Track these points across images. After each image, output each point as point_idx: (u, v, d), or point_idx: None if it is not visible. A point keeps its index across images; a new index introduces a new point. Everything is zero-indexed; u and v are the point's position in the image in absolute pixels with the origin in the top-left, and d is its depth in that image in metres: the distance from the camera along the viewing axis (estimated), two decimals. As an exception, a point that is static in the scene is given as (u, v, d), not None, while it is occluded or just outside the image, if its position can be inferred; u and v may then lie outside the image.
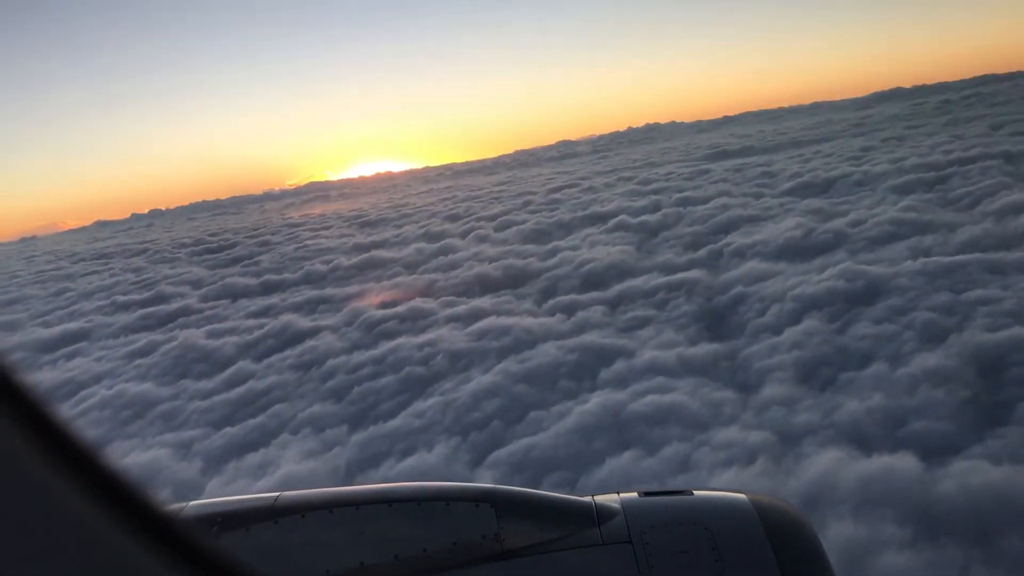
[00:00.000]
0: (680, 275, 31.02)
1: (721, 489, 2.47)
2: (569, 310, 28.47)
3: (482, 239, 52.79)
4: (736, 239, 36.84)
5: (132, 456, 19.58)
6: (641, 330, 24.98)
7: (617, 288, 30.95)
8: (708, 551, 2.09)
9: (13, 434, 0.83)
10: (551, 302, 30.69)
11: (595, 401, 18.44)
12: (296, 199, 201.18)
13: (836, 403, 16.78)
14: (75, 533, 0.87)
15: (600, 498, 2.32)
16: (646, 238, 42.93)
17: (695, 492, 2.35)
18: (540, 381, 20.97)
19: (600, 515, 2.21)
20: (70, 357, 34.77)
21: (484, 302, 32.04)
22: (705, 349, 21.98)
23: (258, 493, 2.15)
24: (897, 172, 50.19)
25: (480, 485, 2.25)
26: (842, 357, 19.63)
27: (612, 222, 49.19)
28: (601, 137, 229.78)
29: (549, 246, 44.31)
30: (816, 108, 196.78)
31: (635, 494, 2.34)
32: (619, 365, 21.10)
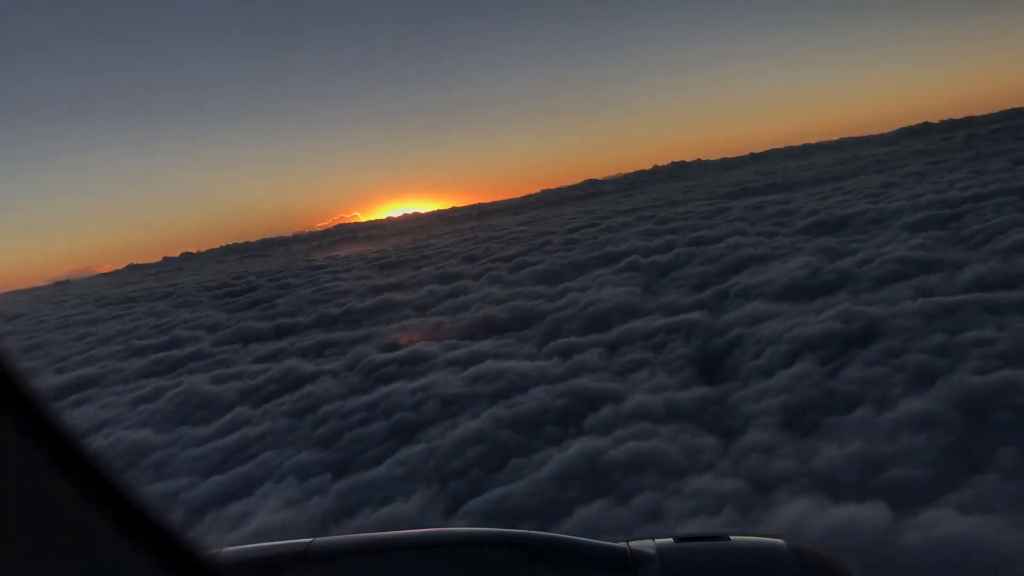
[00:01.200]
0: (682, 316, 30.80)
1: (758, 534, 2.43)
2: (567, 353, 28.35)
3: (495, 280, 52.95)
4: (742, 279, 36.57)
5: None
6: (635, 373, 24.79)
7: (618, 330, 30.79)
8: None
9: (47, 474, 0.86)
10: (551, 344, 30.60)
11: (575, 448, 18.28)
12: (324, 241, 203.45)
13: (816, 449, 16.50)
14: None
15: (635, 544, 2.29)
16: (655, 278, 42.76)
17: (732, 537, 2.30)
18: (526, 427, 20.83)
19: (635, 561, 2.18)
20: (78, 404, 35.11)
21: (486, 345, 32.01)
22: (695, 393, 21.75)
23: (291, 539, 2.17)
24: (912, 209, 49.70)
25: (514, 531, 2.23)
26: (829, 401, 19.33)
27: (624, 262, 49.12)
28: (627, 176, 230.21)
29: (559, 287, 44.28)
30: (842, 144, 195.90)
31: (670, 540, 2.30)
32: (606, 410, 20.92)
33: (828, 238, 45.24)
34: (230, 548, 2.15)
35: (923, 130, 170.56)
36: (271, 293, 71.00)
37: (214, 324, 54.76)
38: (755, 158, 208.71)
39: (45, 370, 48.15)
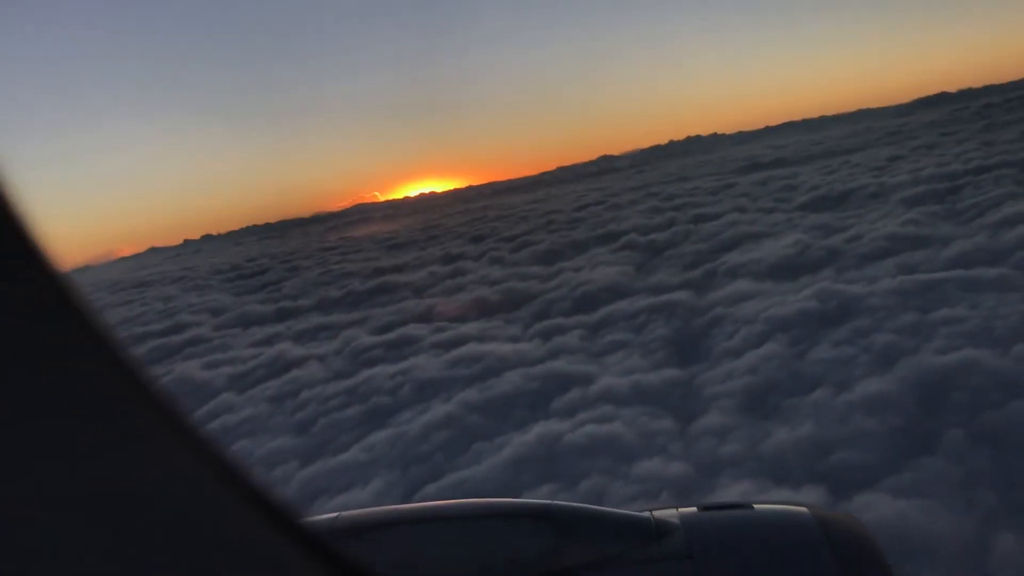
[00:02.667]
0: (666, 296, 30.81)
1: (782, 502, 2.46)
2: (549, 335, 28.47)
3: (495, 261, 53.05)
4: (733, 258, 36.51)
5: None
6: (612, 355, 24.88)
7: (604, 311, 30.84)
8: (770, 567, 2.06)
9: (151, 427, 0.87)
10: (537, 326, 30.72)
11: (535, 432, 18.44)
12: (340, 221, 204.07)
13: (768, 433, 16.56)
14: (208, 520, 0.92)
15: (659, 513, 2.29)
16: (650, 257, 42.73)
17: (756, 506, 2.32)
18: (495, 411, 21.02)
19: (659, 530, 2.18)
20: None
21: (473, 327, 32.16)
22: (663, 375, 21.82)
23: (317, 515, 2.23)
24: (913, 183, 49.29)
25: (537, 501, 2.26)
26: (792, 383, 19.35)
27: (622, 241, 49.07)
28: (642, 151, 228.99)
29: (555, 267, 44.32)
30: (858, 116, 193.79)
31: (694, 508, 2.31)
32: (574, 393, 21.04)
33: (826, 214, 44.96)
34: None
35: (939, 100, 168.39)
36: (280, 275, 71.43)
37: (219, 308, 55.18)
38: (770, 131, 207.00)
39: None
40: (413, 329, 33.16)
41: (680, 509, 2.31)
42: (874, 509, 12.39)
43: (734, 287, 30.51)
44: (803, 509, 2.28)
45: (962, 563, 11.08)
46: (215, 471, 0.93)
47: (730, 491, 13.99)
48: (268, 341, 38.24)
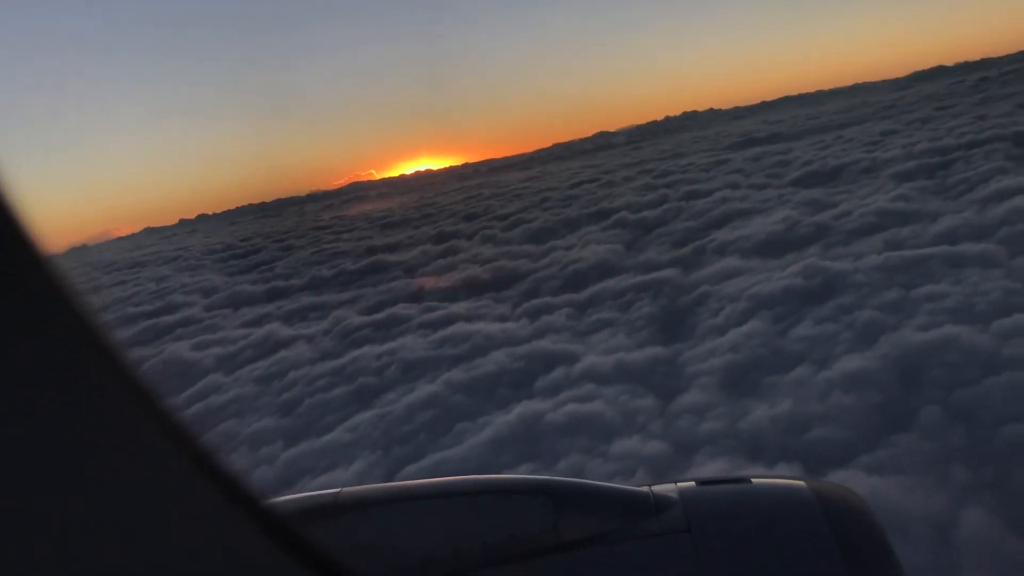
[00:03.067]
0: (654, 274, 30.83)
1: (780, 476, 2.51)
2: (536, 314, 28.50)
3: (487, 239, 52.96)
4: (722, 235, 36.49)
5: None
6: (597, 334, 24.93)
7: (592, 289, 30.86)
8: (768, 540, 2.08)
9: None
10: (525, 305, 30.75)
11: (516, 412, 18.50)
12: (336, 200, 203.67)
13: (748, 410, 16.63)
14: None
15: (657, 488, 2.31)
16: (640, 235, 42.68)
17: (753, 480, 2.33)
18: (479, 391, 21.07)
19: (658, 505, 2.20)
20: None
21: (462, 307, 32.22)
22: (647, 354, 21.87)
23: (317, 491, 2.25)
24: (905, 158, 49.18)
25: (537, 477, 2.28)
26: (774, 360, 19.40)
27: (613, 219, 49.01)
28: (638, 127, 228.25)
29: (546, 246, 44.30)
30: (855, 90, 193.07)
31: (692, 483, 2.33)
32: (558, 372, 21.11)
33: (817, 190, 44.90)
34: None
35: (936, 74, 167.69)
36: (273, 255, 71.37)
37: (211, 288, 55.14)
38: (766, 106, 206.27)
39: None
40: (402, 309, 33.19)
41: (678, 484, 2.33)
42: (847, 486, 12.43)
43: (721, 264, 30.54)
44: (800, 483, 2.31)
45: (931, 539, 11.16)
46: (190, 461, 0.93)
47: (705, 469, 14.07)
48: (258, 321, 38.25)
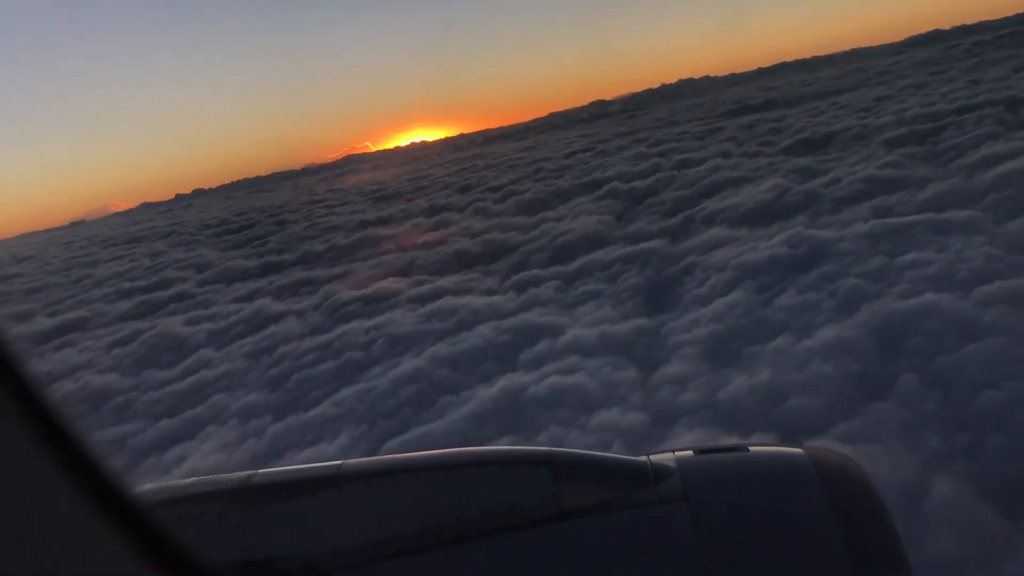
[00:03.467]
0: (643, 245, 30.84)
1: (777, 444, 2.50)
2: (524, 287, 28.53)
3: (479, 211, 52.88)
4: (712, 204, 36.44)
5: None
6: (583, 306, 24.98)
7: (580, 261, 30.88)
8: (765, 507, 2.11)
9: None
10: (514, 278, 30.77)
11: (499, 385, 18.58)
12: (331, 173, 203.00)
13: (727, 380, 16.71)
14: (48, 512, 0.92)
15: (655, 457, 2.34)
16: (631, 205, 42.65)
17: (751, 448, 2.36)
18: (464, 364, 21.13)
19: (656, 474, 2.23)
20: (60, 348, 35.79)
21: (450, 280, 32.24)
22: (632, 325, 21.94)
23: (321, 462, 2.27)
24: (896, 124, 48.98)
25: (537, 448, 2.30)
26: (756, 330, 19.45)
27: (604, 189, 48.91)
28: (634, 95, 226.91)
29: (537, 217, 44.25)
30: (851, 56, 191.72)
31: (690, 452, 2.35)
32: (542, 345, 21.16)
33: (808, 157, 44.79)
34: (262, 471, 2.27)
35: (932, 38, 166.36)
36: (267, 230, 71.28)
37: (205, 263, 55.18)
38: (762, 73, 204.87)
39: (39, 313, 48.90)
40: (392, 283, 33.23)
41: (676, 453, 2.36)
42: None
43: (709, 234, 30.54)
44: (798, 450, 2.33)
45: (900, 508, 11.26)
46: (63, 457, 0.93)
47: (682, 439, 14.16)
48: (250, 297, 38.32)
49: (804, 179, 37.43)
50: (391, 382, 20.55)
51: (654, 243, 30.79)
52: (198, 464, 17.83)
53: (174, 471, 17.76)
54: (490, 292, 29.21)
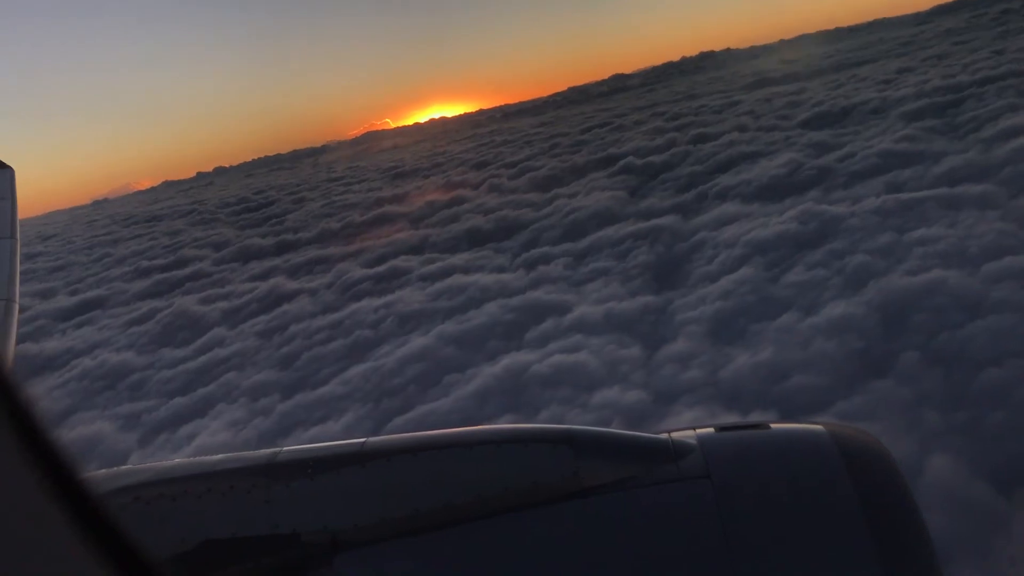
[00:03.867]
0: (654, 221, 30.68)
1: (798, 421, 2.49)
2: (533, 264, 28.53)
3: (494, 188, 52.81)
4: (726, 179, 36.19)
5: (78, 429, 20.62)
6: (591, 283, 24.95)
7: (591, 238, 30.81)
8: (786, 484, 2.11)
9: None
10: (524, 256, 30.76)
11: (503, 363, 18.65)
12: (350, 150, 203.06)
13: (730, 358, 16.68)
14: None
15: (676, 434, 2.34)
16: (645, 181, 42.45)
17: (772, 425, 2.35)
18: (470, 343, 21.22)
19: (677, 451, 2.24)
20: (80, 326, 36.23)
21: (461, 258, 32.29)
22: (639, 303, 21.90)
23: (344, 440, 2.31)
24: (916, 97, 48.32)
25: (557, 426, 2.32)
26: (762, 307, 19.38)
27: (619, 164, 48.65)
28: (654, 69, 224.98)
29: (550, 194, 44.15)
30: (874, 26, 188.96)
31: (711, 429, 2.34)
32: (548, 323, 21.19)
33: (824, 131, 44.31)
34: (287, 448, 2.31)
35: (959, 6, 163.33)
36: (285, 208, 71.62)
37: (222, 242, 55.53)
38: (784, 45, 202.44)
39: (60, 292, 49.44)
40: (403, 262, 33.31)
41: (697, 430, 2.35)
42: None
43: (721, 210, 30.36)
44: (819, 427, 2.31)
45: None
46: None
47: (682, 418, 14.18)
48: (265, 275, 38.55)
49: (819, 153, 37.08)
50: (398, 361, 20.67)
51: (666, 219, 30.62)
52: (207, 442, 18.05)
53: (184, 449, 18.00)
54: (500, 270, 29.22)
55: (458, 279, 27.72)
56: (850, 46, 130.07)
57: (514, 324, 21.94)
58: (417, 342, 21.81)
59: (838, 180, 30.98)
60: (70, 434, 20.11)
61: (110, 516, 1.02)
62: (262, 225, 62.66)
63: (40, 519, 0.95)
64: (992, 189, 24.19)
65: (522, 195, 46.41)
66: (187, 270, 45.47)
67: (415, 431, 2.40)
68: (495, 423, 15.33)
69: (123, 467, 2.35)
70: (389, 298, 27.18)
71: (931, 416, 12.98)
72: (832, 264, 20.98)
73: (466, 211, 44.57)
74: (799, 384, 14.96)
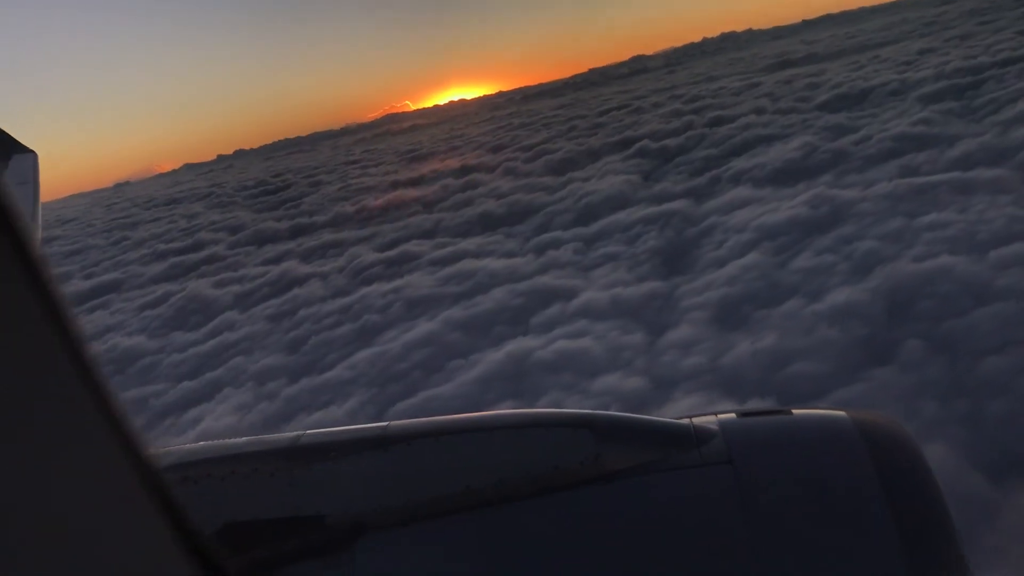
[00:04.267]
0: (666, 206, 30.55)
1: (821, 407, 2.44)
2: (543, 249, 28.49)
3: (509, 172, 52.69)
4: (739, 163, 35.92)
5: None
6: (600, 268, 24.90)
7: (602, 222, 30.72)
8: (809, 471, 2.08)
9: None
10: (535, 240, 30.73)
11: (507, 349, 18.66)
12: (369, 133, 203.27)
13: (732, 345, 16.60)
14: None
15: (698, 420, 2.30)
16: (660, 164, 42.22)
17: (794, 411, 2.29)
18: (476, 328, 21.25)
19: (699, 437, 2.19)
20: (93, 310, 36.58)
21: (473, 242, 32.31)
22: (646, 288, 21.82)
23: (366, 424, 2.30)
24: (935, 79, 47.71)
25: (578, 411, 2.29)
26: (768, 293, 19.24)
27: (635, 147, 48.40)
28: (676, 50, 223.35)
29: (565, 177, 44.01)
30: (898, 6, 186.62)
31: (733, 415, 2.31)
32: (554, 308, 21.19)
33: (841, 114, 43.87)
34: (310, 432, 2.29)
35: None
36: (301, 191, 71.85)
37: (238, 225, 55.78)
38: (807, 25, 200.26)
39: (76, 276, 49.93)
40: (415, 246, 33.36)
41: (719, 415, 2.31)
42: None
43: (733, 194, 30.15)
44: (841, 413, 2.25)
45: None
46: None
47: (679, 405, 14.17)
48: (278, 259, 38.75)
49: (835, 136, 36.71)
50: (403, 346, 20.74)
51: (678, 203, 30.48)
52: (211, 426, 18.25)
53: (189, 433, 18.18)
54: (510, 255, 29.19)
55: (468, 264, 27.76)
56: (873, 26, 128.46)
57: (521, 309, 21.94)
58: (423, 327, 21.87)
59: (852, 164, 30.68)
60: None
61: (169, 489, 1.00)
62: (278, 208, 62.91)
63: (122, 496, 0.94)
64: (1006, 174, 23.87)
65: (537, 179, 46.28)
66: (202, 253, 45.76)
67: (417, 417, 2.41)
68: (496, 409, 15.38)
69: None
70: (398, 283, 27.27)
71: (931, 405, 12.88)
72: (841, 249, 20.79)
73: (480, 195, 44.54)
74: (799, 371, 14.88)
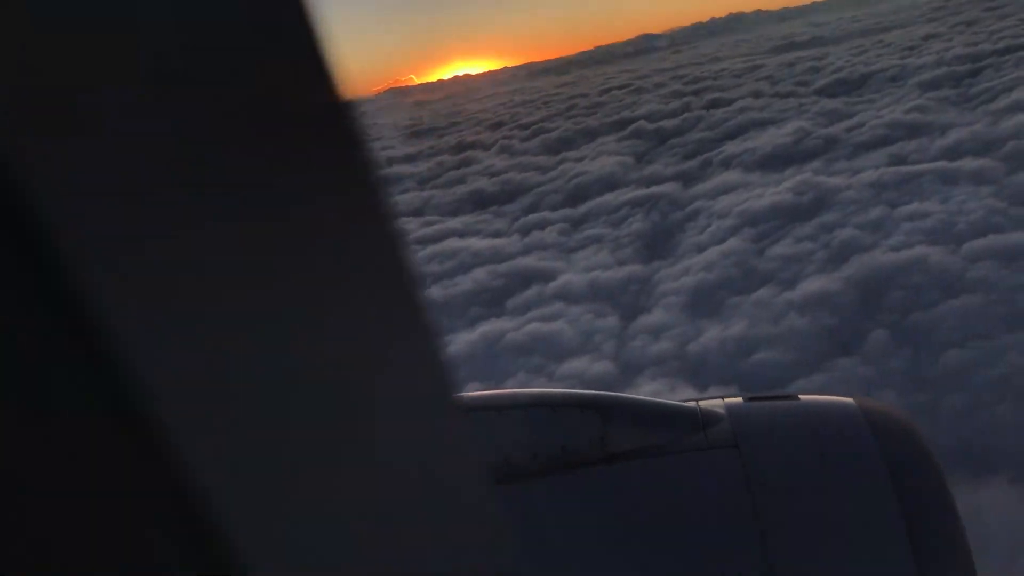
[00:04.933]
0: (654, 188, 30.48)
1: (828, 394, 2.47)
2: (529, 230, 28.46)
3: (504, 149, 52.52)
4: (731, 147, 35.80)
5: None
6: (583, 251, 24.89)
7: (590, 204, 30.69)
8: (815, 456, 2.10)
9: None
10: (522, 220, 30.68)
11: (480, 331, 18.70)
12: (371, 107, 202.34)
13: (701, 331, 16.64)
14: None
15: (704, 403, 2.29)
16: (654, 146, 42.06)
17: (801, 397, 2.33)
18: (452, 309, 21.23)
19: (705, 420, 2.19)
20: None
21: (460, 221, 32.28)
22: (625, 272, 21.84)
23: None
24: (935, 65, 47.42)
25: (584, 391, 2.30)
26: (743, 280, 19.28)
27: (630, 128, 48.19)
28: (682, 30, 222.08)
29: (558, 157, 43.90)
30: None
31: (739, 399, 2.32)
32: (532, 291, 21.20)
33: (838, 99, 43.71)
34: None
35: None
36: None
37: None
38: (815, 7, 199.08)
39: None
40: (401, 224, 33.27)
41: (726, 400, 2.32)
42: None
43: (722, 178, 30.07)
44: (848, 400, 2.27)
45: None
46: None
47: (642, 390, 14.19)
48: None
49: (829, 122, 36.57)
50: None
51: (666, 186, 30.40)
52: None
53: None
54: (496, 235, 29.17)
55: (452, 243, 27.73)
56: (881, 10, 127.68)
57: (499, 290, 21.96)
58: (400, 307, 21.87)
59: (842, 151, 30.59)
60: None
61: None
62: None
63: None
64: (992, 164, 23.78)
65: (531, 157, 46.17)
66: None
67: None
68: (464, 391, 15.44)
69: None
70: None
71: (890, 397, 12.89)
72: (820, 237, 20.79)
73: (474, 172, 44.46)
74: (763, 360, 14.94)
